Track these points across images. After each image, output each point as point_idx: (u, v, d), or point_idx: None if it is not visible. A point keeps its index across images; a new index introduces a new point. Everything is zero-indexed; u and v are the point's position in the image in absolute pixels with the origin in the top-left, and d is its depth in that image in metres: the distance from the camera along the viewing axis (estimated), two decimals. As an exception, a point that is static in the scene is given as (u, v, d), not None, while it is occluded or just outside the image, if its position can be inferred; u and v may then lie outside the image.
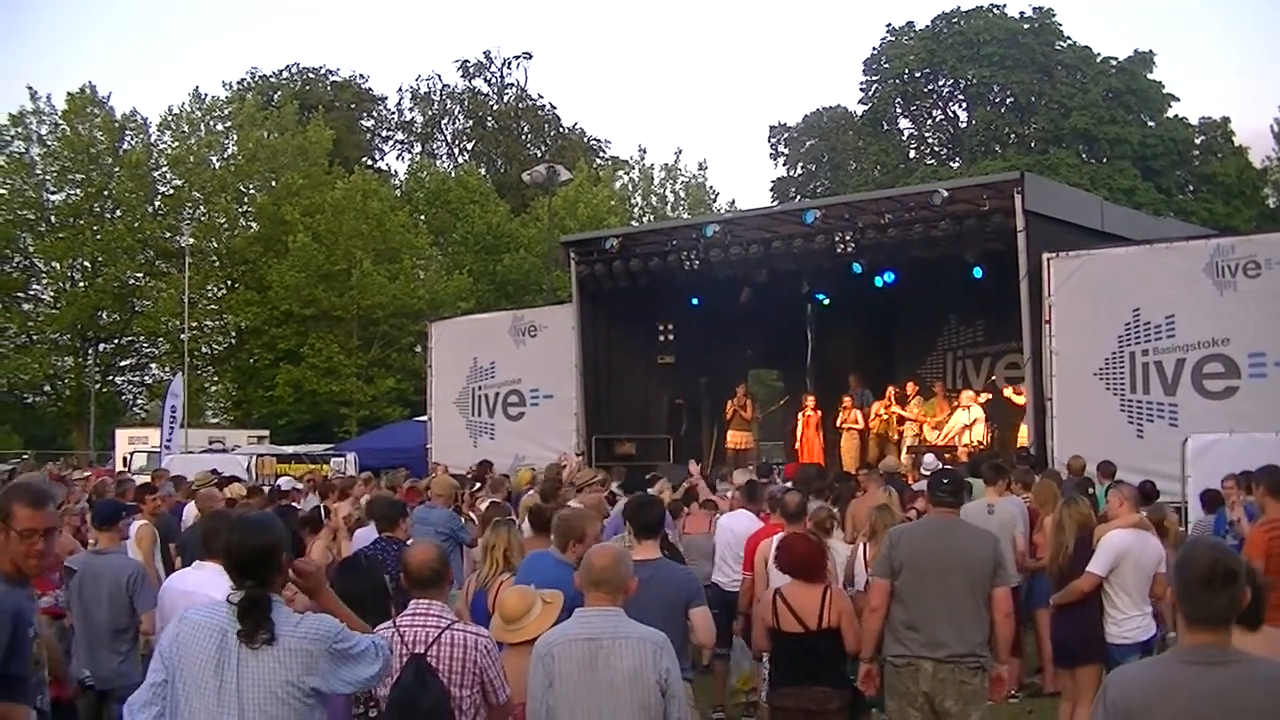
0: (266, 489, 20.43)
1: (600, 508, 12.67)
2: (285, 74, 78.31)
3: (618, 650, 6.41)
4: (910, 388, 27.64)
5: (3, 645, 5.47)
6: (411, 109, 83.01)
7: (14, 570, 5.69)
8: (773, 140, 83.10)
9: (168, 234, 57.40)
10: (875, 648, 8.88)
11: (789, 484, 16.11)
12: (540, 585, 7.98)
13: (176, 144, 59.20)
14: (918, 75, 74.26)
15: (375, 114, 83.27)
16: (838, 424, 27.63)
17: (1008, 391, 26.07)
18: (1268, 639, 5.98)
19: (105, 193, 56.81)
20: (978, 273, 24.24)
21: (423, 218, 64.68)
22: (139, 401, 65.21)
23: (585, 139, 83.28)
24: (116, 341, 60.03)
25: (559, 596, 7.60)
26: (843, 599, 9.06)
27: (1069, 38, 71.55)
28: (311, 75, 79.64)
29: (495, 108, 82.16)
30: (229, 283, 59.83)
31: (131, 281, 57.78)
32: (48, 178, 57.05)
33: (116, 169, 56.69)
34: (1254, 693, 4.33)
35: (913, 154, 77.52)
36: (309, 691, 5.17)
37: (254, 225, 59.94)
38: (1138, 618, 10.53)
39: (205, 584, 7.80)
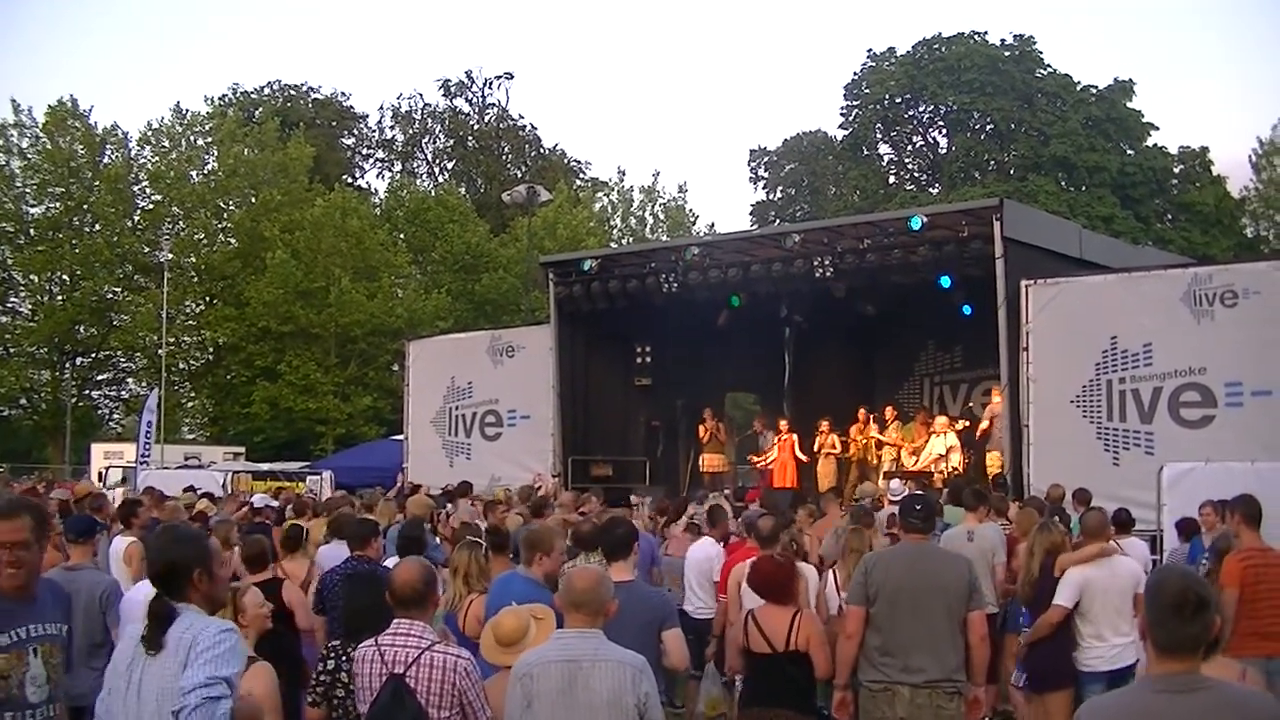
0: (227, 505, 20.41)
1: (562, 527, 12.67)
2: (267, 90, 78.39)
3: (597, 673, 6.39)
4: (889, 412, 27.66)
5: None
6: (392, 127, 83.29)
7: None
8: (753, 164, 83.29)
9: (146, 249, 57.22)
10: (850, 675, 8.88)
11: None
12: (516, 602, 7.98)
13: (156, 159, 59.14)
14: (898, 101, 74.42)
15: (356, 132, 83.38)
16: (815, 448, 27.59)
17: (984, 424, 26.11)
18: (1219, 668, 5.97)
19: (85, 207, 56.69)
20: (956, 299, 24.29)
21: (402, 236, 64.66)
22: (115, 416, 65.13)
23: (565, 160, 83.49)
24: (94, 356, 59.86)
25: (550, 613, 7.57)
26: (812, 623, 9.03)
27: (1049, 65, 71.82)
28: (293, 92, 79.71)
29: (476, 127, 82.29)
30: (207, 298, 59.78)
31: (110, 296, 57.72)
32: (27, 190, 56.92)
33: (96, 183, 56.59)
34: (1225, 719, 4.33)
35: (892, 179, 77.61)
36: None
37: (233, 241, 59.86)
38: (1100, 647, 10.52)
39: (158, 594, 7.79)
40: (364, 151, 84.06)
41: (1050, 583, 10.80)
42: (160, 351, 52.10)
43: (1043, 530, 11.35)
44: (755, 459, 28.57)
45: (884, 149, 78.86)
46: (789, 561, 10.06)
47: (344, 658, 7.85)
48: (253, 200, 59.91)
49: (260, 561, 10.42)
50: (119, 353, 59.50)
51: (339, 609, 9.71)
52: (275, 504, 20.50)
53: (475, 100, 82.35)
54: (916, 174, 78.80)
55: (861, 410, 27.87)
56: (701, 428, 28.30)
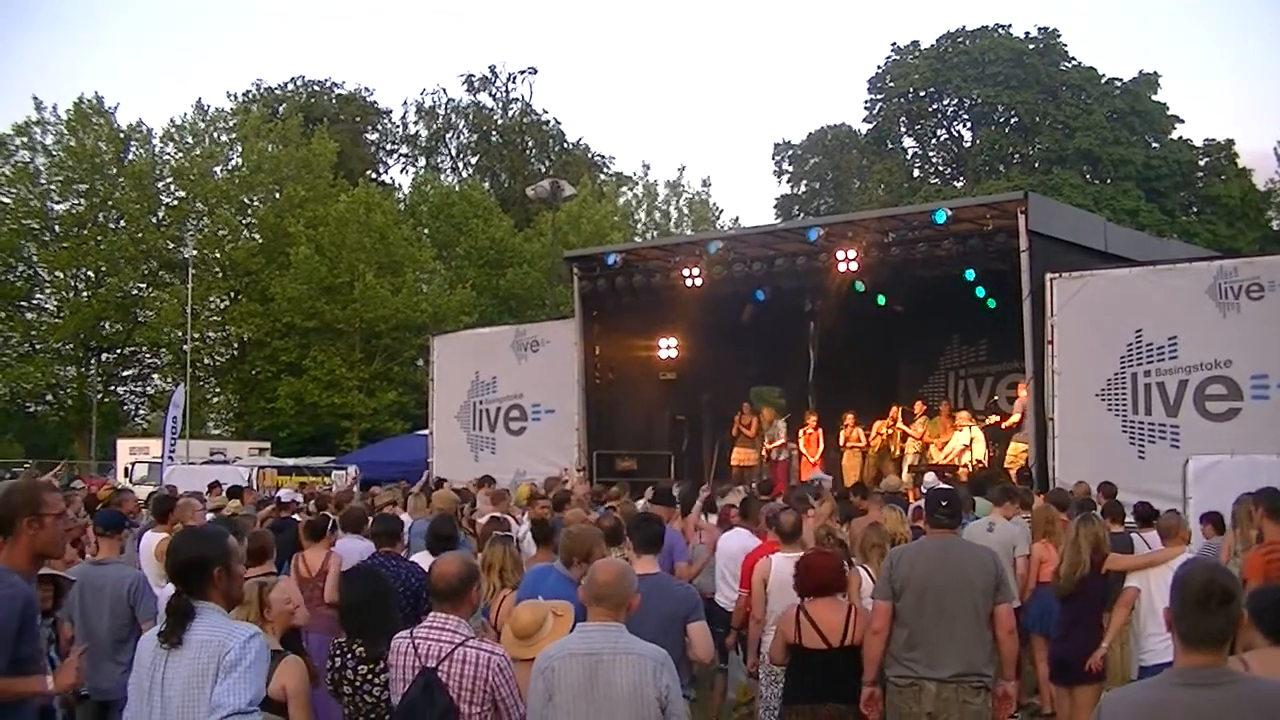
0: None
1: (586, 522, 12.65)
2: (290, 86, 78.58)
3: (618, 666, 6.40)
4: (918, 407, 27.61)
5: (15, 628, 5.71)
6: (416, 123, 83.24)
7: (36, 559, 6.14)
8: (777, 158, 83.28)
9: (171, 245, 57.51)
10: (879, 671, 8.87)
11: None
12: (544, 598, 7.99)
13: (180, 155, 59.31)
14: (922, 94, 74.41)
15: (380, 127, 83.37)
16: (840, 442, 27.55)
17: (1015, 417, 26.04)
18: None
19: (109, 203, 56.81)
20: (980, 292, 24.28)
21: (426, 231, 64.67)
22: (141, 412, 65.18)
23: (589, 154, 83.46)
24: (119, 352, 60.00)
25: (569, 609, 7.59)
26: (866, 617, 9.02)
27: (1074, 58, 71.80)
28: (317, 88, 79.83)
29: (500, 122, 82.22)
30: (232, 294, 59.79)
31: (134, 292, 57.85)
32: (52, 187, 57.03)
33: (120, 179, 56.72)
34: (1249, 713, 4.32)
35: (917, 173, 77.62)
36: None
37: (257, 237, 59.88)
38: (1158, 637, 10.51)
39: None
40: (388, 147, 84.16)
41: (1098, 580, 10.83)
42: (185, 347, 52.21)
43: (1086, 522, 11.29)
44: (768, 447, 28.44)
45: (908, 142, 78.99)
46: (835, 553, 10.00)
47: (348, 654, 7.88)
48: (277, 196, 59.89)
49: (260, 556, 10.38)
50: (144, 349, 59.66)
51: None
52: (299, 498, 20.54)
53: (499, 95, 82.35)
54: (941, 167, 78.78)
55: (895, 407, 27.86)
56: (735, 421, 28.25)
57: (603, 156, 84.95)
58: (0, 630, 5.64)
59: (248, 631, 5.31)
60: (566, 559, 9.02)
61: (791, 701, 9.20)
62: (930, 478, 22.19)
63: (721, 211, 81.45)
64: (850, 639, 8.74)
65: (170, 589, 5.65)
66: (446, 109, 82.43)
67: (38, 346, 57.03)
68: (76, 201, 57.13)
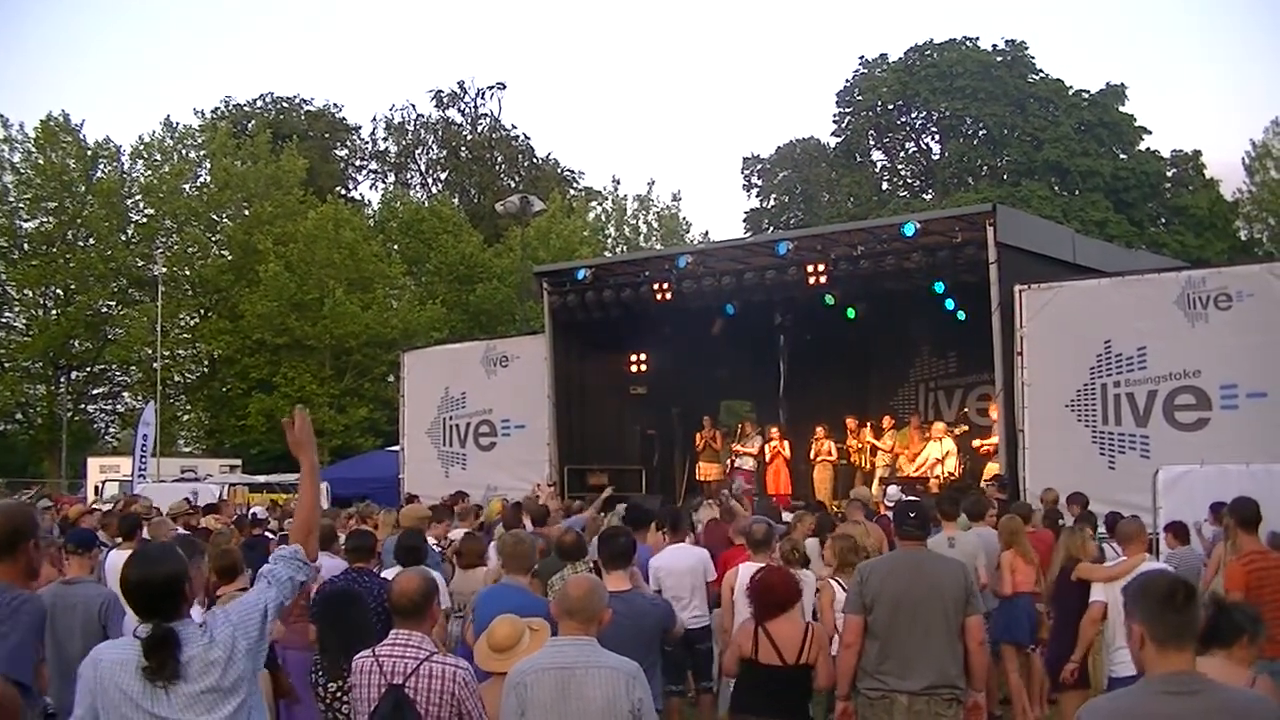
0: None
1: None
2: (259, 103, 78.30)
3: (590, 680, 6.40)
4: (886, 420, 27.63)
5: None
6: (385, 138, 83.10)
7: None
8: (746, 172, 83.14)
9: (140, 262, 57.26)
10: (851, 685, 8.86)
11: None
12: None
13: (149, 172, 59.15)
14: (890, 107, 74.39)
15: (349, 143, 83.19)
16: (811, 456, 27.57)
17: (976, 441, 26.07)
18: (1230, 673, 5.99)
19: (78, 220, 56.64)
20: (950, 304, 24.31)
21: (396, 247, 64.58)
22: (111, 430, 64.95)
23: (559, 169, 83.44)
24: (89, 370, 59.80)
25: (545, 625, 7.60)
26: (823, 635, 8.99)
27: (1041, 70, 71.77)
28: (285, 104, 79.55)
29: (469, 138, 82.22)
30: (201, 311, 59.75)
31: (104, 310, 57.70)
32: (20, 205, 56.83)
33: (89, 197, 56.55)
34: (1222, 720, 4.34)
35: (885, 186, 77.60)
36: (232, 685, 5.13)
37: (226, 254, 59.74)
38: (1123, 649, 10.55)
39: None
40: (357, 163, 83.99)
41: (1069, 586, 10.92)
42: (155, 365, 52.10)
43: (1070, 534, 11.60)
44: (737, 448, 28.40)
45: (877, 155, 78.86)
46: (785, 569, 9.98)
47: (319, 671, 7.88)
48: (246, 213, 59.81)
49: (231, 573, 10.38)
50: (114, 366, 59.57)
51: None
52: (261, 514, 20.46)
53: (468, 111, 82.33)
54: (909, 180, 78.81)
55: (850, 419, 27.91)
56: (699, 436, 28.30)
57: (572, 171, 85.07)
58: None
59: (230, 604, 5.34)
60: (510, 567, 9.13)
61: (737, 711, 9.19)
62: (894, 490, 22.18)
63: (691, 225, 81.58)
64: (806, 657, 8.71)
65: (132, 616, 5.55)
66: (415, 125, 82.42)
67: (6, 365, 56.91)
68: (45, 219, 56.97)
